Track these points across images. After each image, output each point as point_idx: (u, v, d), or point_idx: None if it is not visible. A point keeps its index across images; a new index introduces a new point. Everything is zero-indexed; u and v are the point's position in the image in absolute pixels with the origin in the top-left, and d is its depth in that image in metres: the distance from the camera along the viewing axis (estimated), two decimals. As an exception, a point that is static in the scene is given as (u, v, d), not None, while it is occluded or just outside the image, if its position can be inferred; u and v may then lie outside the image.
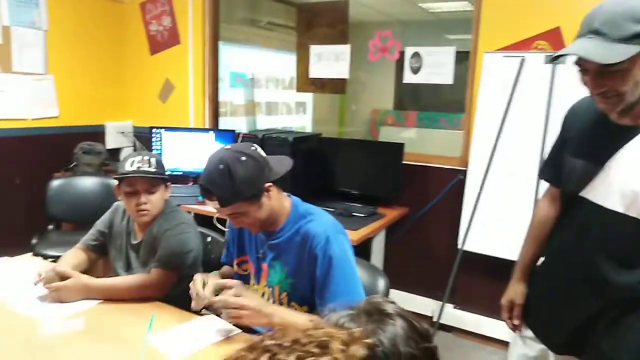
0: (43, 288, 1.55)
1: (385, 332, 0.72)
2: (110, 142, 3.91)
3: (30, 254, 2.78)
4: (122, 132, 4.00)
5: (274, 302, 1.46)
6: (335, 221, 1.45)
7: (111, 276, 1.77)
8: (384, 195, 3.02)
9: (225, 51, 3.96)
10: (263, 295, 1.49)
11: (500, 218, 2.58)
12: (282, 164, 1.45)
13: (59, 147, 3.53)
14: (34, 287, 1.59)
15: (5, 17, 3.22)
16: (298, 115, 6.17)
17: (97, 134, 3.83)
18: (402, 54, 3.03)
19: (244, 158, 1.32)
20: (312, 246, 1.37)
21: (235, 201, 1.33)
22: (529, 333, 1.50)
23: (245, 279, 1.55)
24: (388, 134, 5.85)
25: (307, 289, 1.40)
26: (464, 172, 2.74)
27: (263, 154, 1.40)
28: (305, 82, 3.58)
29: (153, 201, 1.69)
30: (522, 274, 1.52)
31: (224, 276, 1.62)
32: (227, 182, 1.29)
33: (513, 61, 2.54)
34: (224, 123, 3.98)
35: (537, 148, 2.46)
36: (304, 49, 3.48)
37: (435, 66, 2.90)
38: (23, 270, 1.79)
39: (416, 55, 2.95)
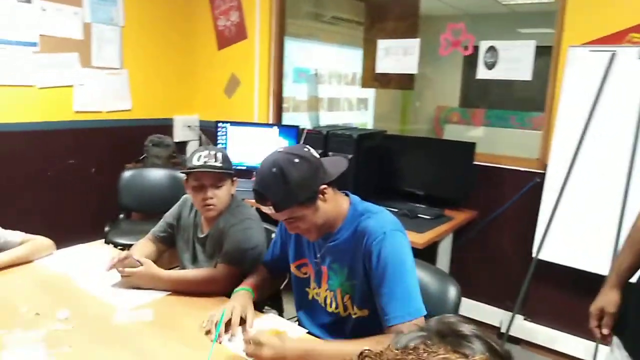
0: (116, 272, 1.60)
1: (461, 356, 0.64)
2: (178, 136, 4.02)
3: (103, 241, 2.93)
4: (189, 126, 4.10)
5: (337, 306, 1.41)
6: (395, 220, 1.37)
7: (176, 268, 1.79)
8: (452, 197, 2.88)
9: (289, 46, 3.95)
10: (326, 298, 1.44)
11: (583, 226, 2.38)
12: (337, 165, 1.39)
13: (131, 139, 3.67)
14: (107, 271, 1.63)
15: (87, 15, 3.39)
16: (359, 112, 6.09)
17: (165, 127, 3.95)
18: (475, 48, 2.88)
19: (297, 160, 1.27)
20: (368, 242, 1.30)
21: (290, 205, 1.27)
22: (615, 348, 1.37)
23: (305, 282, 1.51)
24: (453, 132, 5.64)
25: (366, 289, 1.33)
26: (542, 175, 2.56)
27: (317, 155, 1.34)
28: (371, 78, 3.50)
29: (219, 196, 1.69)
30: (617, 281, 1.40)
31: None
32: (281, 186, 1.25)
33: (602, 56, 2.33)
34: (287, 119, 3.98)
35: (627, 150, 2.24)
36: (371, 43, 3.39)
37: (513, 61, 2.73)
38: (97, 257, 1.86)
39: (491, 49, 2.78)
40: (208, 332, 1.28)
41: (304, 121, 4.44)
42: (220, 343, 1.24)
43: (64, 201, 3.46)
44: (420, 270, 1.55)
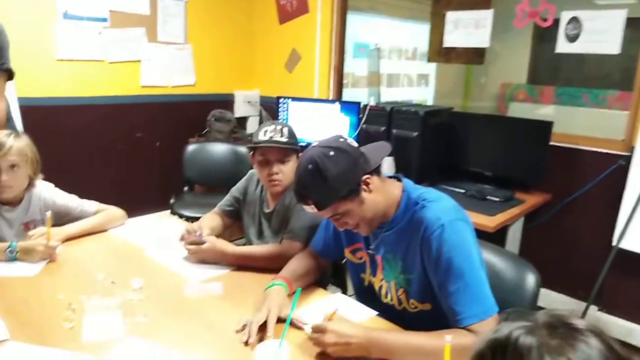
0: (184, 247, 1.62)
1: (575, 351, 0.57)
2: (239, 111, 4.05)
3: (168, 212, 3.02)
4: (249, 102, 4.11)
5: (392, 299, 1.34)
6: (456, 206, 1.25)
7: (235, 241, 1.79)
8: (523, 179, 2.72)
9: (350, 20, 3.84)
10: (381, 288, 1.37)
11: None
12: (379, 151, 1.29)
13: (194, 113, 3.74)
14: (176, 244, 1.67)
15: (153, -10, 3.44)
16: (419, 88, 5.90)
17: (227, 102, 3.99)
18: (554, 20, 2.65)
19: (332, 153, 1.18)
20: (425, 235, 1.19)
21: (332, 202, 1.19)
22: None
23: (360, 268, 1.43)
24: (519, 111, 5.34)
25: (425, 283, 1.24)
26: (628, 158, 2.35)
27: (354, 144, 1.24)
28: (437, 52, 3.33)
29: (285, 171, 1.67)
30: None
31: None
32: (319, 183, 1.17)
33: None
34: (345, 94, 3.90)
35: None
36: (439, 16, 3.22)
37: (598, 33, 2.49)
38: (166, 229, 1.91)
39: (574, 20, 2.56)
40: (246, 343, 1.16)
41: (363, 97, 4.34)
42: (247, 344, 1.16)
43: (131, 173, 3.60)
44: (493, 255, 1.46)
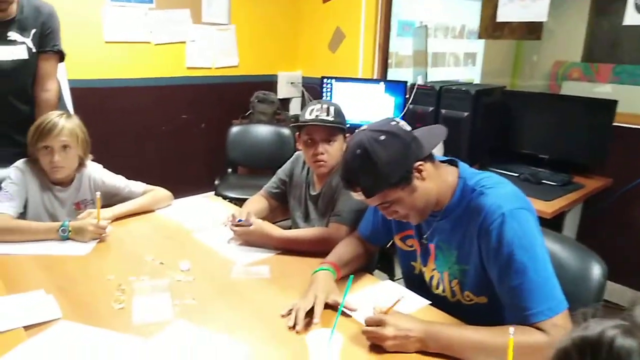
0: (231, 229, 1.61)
1: None
2: (282, 92, 4.01)
3: (212, 193, 3.04)
4: (292, 83, 4.06)
5: (444, 290, 1.27)
6: (518, 192, 1.15)
7: (276, 223, 1.76)
8: (582, 162, 2.56)
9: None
10: (432, 278, 1.29)
11: None
12: (433, 135, 1.20)
13: (237, 95, 3.73)
14: (223, 227, 1.68)
15: (198, -30, 3.42)
16: (466, 67, 5.68)
17: (270, 83, 3.96)
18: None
19: (383, 137, 1.10)
20: (484, 225, 1.10)
21: (381, 189, 1.12)
22: None
23: (410, 256, 1.36)
24: (573, 90, 5.03)
25: (482, 275, 1.16)
26: None
27: (407, 127, 1.15)
28: (490, 27, 3.16)
29: (330, 152, 1.62)
30: None
31: None
32: (368, 168, 1.10)
33: None
34: (390, 74, 3.78)
35: None
36: (492, -12, 3.04)
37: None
38: (212, 210, 1.90)
39: (645, -12, 2.34)
40: (293, 328, 1.13)
41: (408, 77, 4.20)
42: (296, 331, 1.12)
43: (177, 155, 3.65)
44: (554, 243, 1.35)
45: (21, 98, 2.03)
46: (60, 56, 2.11)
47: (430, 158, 1.17)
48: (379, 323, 1.05)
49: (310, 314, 1.15)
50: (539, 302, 1.02)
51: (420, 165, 1.13)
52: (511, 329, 0.83)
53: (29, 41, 1.97)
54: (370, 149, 1.09)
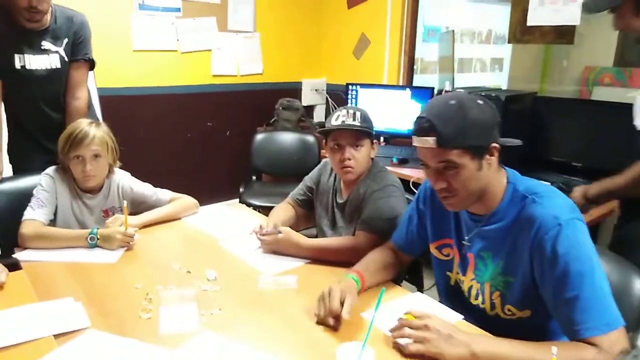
0: (258, 237, 1.59)
1: None
2: (306, 99, 4.01)
3: (237, 200, 3.04)
4: (316, 90, 4.06)
5: (483, 301, 1.21)
6: (571, 203, 1.10)
7: (301, 231, 1.75)
8: (617, 170, 2.45)
9: (420, 3, 3.66)
10: (470, 289, 1.24)
11: None
12: (510, 137, 1.17)
13: (262, 102, 3.74)
14: (249, 235, 1.66)
15: (224, -22, 3.46)
16: (493, 73, 5.59)
17: (295, 90, 3.95)
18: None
19: (480, 102, 1.10)
20: (539, 235, 1.05)
21: (458, 144, 1.06)
22: None
23: (446, 265, 1.32)
24: (604, 95, 4.88)
25: (529, 289, 1.11)
26: None
27: None
28: (520, 32, 3.09)
29: (357, 157, 1.59)
30: None
31: None
32: (457, 119, 1.06)
33: None
34: (415, 80, 3.74)
35: None
36: (521, -8, 2.98)
37: None
38: (237, 218, 1.89)
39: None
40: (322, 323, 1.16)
41: (434, 83, 4.16)
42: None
43: (202, 162, 3.67)
44: None
45: (53, 106, 2.07)
46: (91, 65, 2.15)
47: (499, 164, 1.14)
48: (426, 316, 1.03)
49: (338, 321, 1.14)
50: (595, 316, 0.98)
51: (495, 147, 1.10)
52: (554, 348, 0.79)
53: (61, 50, 2.01)
54: (467, 104, 1.08)
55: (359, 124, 1.56)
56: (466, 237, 1.22)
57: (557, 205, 1.07)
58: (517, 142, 1.18)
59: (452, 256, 1.29)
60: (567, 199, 1.11)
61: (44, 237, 1.58)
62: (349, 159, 1.58)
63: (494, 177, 1.13)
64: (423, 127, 1.09)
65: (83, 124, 1.68)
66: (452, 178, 1.10)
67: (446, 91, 2.82)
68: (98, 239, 1.56)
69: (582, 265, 1.01)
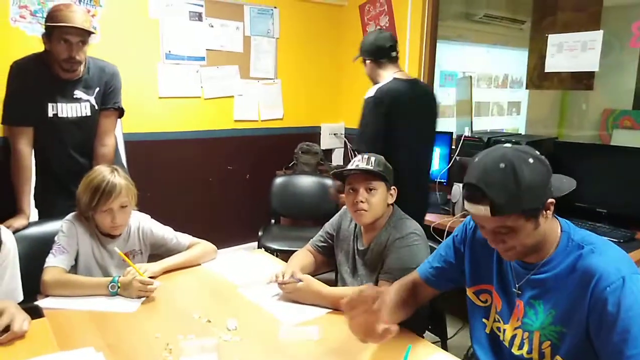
0: (279, 286, 1.58)
1: None
2: (325, 143, 4.06)
3: (256, 244, 3.04)
4: (335, 134, 4.11)
5: (530, 350, 1.16)
6: (627, 256, 1.08)
7: (318, 276, 1.73)
8: (645, 217, 2.39)
9: (437, 49, 3.74)
10: (514, 337, 1.20)
11: None
12: (563, 181, 1.14)
13: (282, 146, 3.79)
14: (268, 284, 1.64)
15: (247, 28, 3.60)
16: (510, 117, 5.62)
17: (314, 134, 4.01)
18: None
19: (531, 160, 1.04)
20: (600, 287, 1.02)
21: (513, 211, 1.04)
22: None
23: (482, 311, 1.28)
24: (625, 139, 4.84)
25: (582, 342, 1.06)
26: None
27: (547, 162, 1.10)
28: (538, 78, 3.11)
29: (371, 201, 1.59)
30: None
31: None
32: (510, 185, 1.02)
33: None
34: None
35: None
36: (538, 40, 3.02)
37: None
38: (257, 265, 1.89)
39: None
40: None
41: (451, 127, 4.19)
42: None
43: (222, 204, 3.70)
44: None
45: (82, 152, 2.13)
46: (120, 113, 2.23)
47: (553, 215, 1.11)
48: None
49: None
50: None
51: (551, 203, 1.08)
52: None
53: (92, 99, 2.09)
54: (518, 167, 1.03)
55: (371, 168, 1.59)
56: (517, 285, 1.19)
57: (617, 259, 1.05)
58: (572, 186, 1.15)
59: (489, 303, 1.26)
60: (623, 252, 1.09)
61: (66, 284, 1.59)
62: (362, 202, 1.59)
63: (549, 227, 1.11)
64: (475, 195, 1.07)
65: (106, 174, 1.67)
66: (510, 239, 1.09)
67: (465, 137, 2.83)
68: (119, 287, 1.56)
69: None
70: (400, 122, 2.16)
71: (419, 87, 2.41)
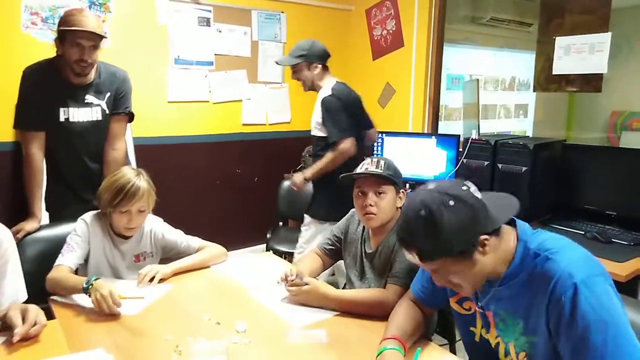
0: (286, 288, 1.59)
1: None
2: (331, 146, 4.06)
3: (263, 246, 3.06)
4: (342, 137, 4.11)
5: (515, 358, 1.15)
6: (588, 256, 1.05)
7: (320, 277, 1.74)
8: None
9: (444, 52, 3.74)
10: (498, 346, 1.19)
11: None
12: (505, 206, 1.10)
13: (289, 150, 3.81)
14: (276, 285, 1.66)
15: (255, 33, 3.63)
16: (517, 119, 5.61)
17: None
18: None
19: (452, 202, 1.02)
20: (555, 295, 1.00)
21: (439, 257, 1.05)
22: None
23: (469, 320, 1.26)
24: (634, 140, 4.83)
25: (554, 348, 1.04)
26: None
27: (478, 195, 1.06)
28: (545, 80, 3.10)
29: (380, 205, 1.60)
30: None
31: None
32: (430, 233, 1.02)
33: None
34: (439, 128, 3.77)
35: None
36: (545, 42, 3.02)
37: None
38: (266, 267, 1.91)
39: None
40: None
41: (457, 130, 4.19)
42: None
43: (230, 207, 3.72)
44: (629, 311, 1.22)
45: (92, 156, 2.16)
46: (130, 117, 2.25)
47: (496, 232, 1.07)
48: None
49: None
50: None
51: (485, 239, 1.04)
52: None
53: (103, 103, 2.12)
54: (437, 213, 1.01)
55: (381, 171, 1.59)
56: (481, 300, 1.18)
57: (571, 262, 1.01)
58: (511, 212, 1.09)
59: (473, 310, 1.24)
60: (583, 251, 1.06)
61: (59, 283, 1.57)
62: (371, 205, 1.59)
63: (497, 256, 1.08)
64: (402, 243, 1.10)
65: (131, 176, 1.69)
66: (450, 277, 1.09)
67: (473, 140, 2.82)
68: (92, 285, 1.47)
69: (602, 330, 0.94)
70: (353, 115, 2.66)
71: (350, 87, 2.82)
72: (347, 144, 2.54)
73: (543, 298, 1.03)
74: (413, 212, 1.05)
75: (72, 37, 1.93)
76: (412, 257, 1.08)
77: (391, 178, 1.61)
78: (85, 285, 1.48)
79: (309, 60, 2.64)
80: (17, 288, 1.42)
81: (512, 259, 1.09)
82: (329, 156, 2.56)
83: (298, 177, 2.66)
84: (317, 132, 2.68)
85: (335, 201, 2.33)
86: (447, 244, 1.02)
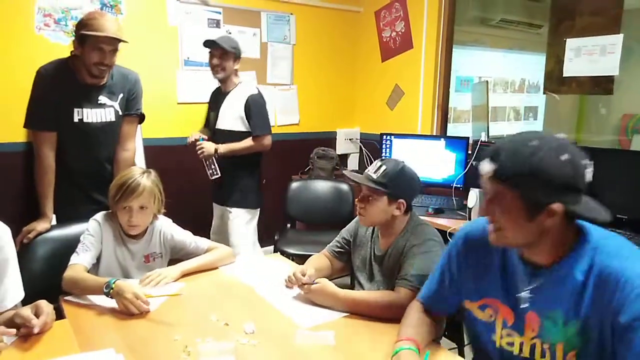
0: (294, 288, 1.61)
1: None
2: (340, 148, 4.07)
3: (272, 247, 3.06)
4: (350, 139, 4.12)
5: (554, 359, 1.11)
6: None
7: (334, 280, 1.73)
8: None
9: (453, 54, 3.73)
10: (533, 347, 1.13)
11: None
12: (596, 210, 1.04)
13: (298, 151, 3.81)
14: (284, 286, 1.67)
15: (264, 35, 3.64)
16: (527, 121, 5.57)
17: (329, 140, 4.03)
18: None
19: (564, 157, 0.98)
20: (623, 293, 0.97)
21: (512, 185, 1.00)
22: None
23: (488, 327, 1.22)
24: (644, 144, 4.77)
25: (608, 348, 1.01)
26: None
27: (587, 179, 1.02)
28: (555, 83, 3.08)
29: (367, 209, 1.63)
30: None
31: None
32: (526, 160, 0.98)
33: None
34: (448, 130, 3.76)
35: None
36: (556, 44, 3.00)
37: None
38: (274, 268, 1.91)
39: None
40: None
41: (466, 132, 4.17)
42: None
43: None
44: None
45: (104, 157, 2.18)
46: (141, 118, 2.27)
47: (571, 217, 1.04)
48: None
49: None
50: None
51: (556, 207, 0.99)
52: None
53: (116, 105, 2.14)
54: (546, 152, 0.98)
55: (374, 178, 1.61)
56: (523, 290, 1.12)
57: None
58: (602, 217, 1.03)
59: (494, 318, 1.20)
60: None
61: (76, 283, 1.58)
62: (362, 207, 1.65)
63: (556, 234, 1.05)
64: (489, 151, 1.05)
65: (136, 174, 1.73)
66: (500, 216, 1.06)
67: (482, 142, 2.81)
68: (112, 289, 1.49)
69: None
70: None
71: None
72: (269, 140, 2.84)
73: (604, 292, 1.00)
74: (527, 137, 1.03)
75: (94, 42, 1.94)
76: (487, 165, 1.04)
77: (382, 187, 1.59)
78: (105, 290, 1.49)
79: (237, 56, 2.81)
80: (19, 285, 1.43)
81: (570, 249, 1.06)
82: (248, 142, 2.75)
83: (210, 144, 2.73)
84: (239, 126, 2.80)
85: (259, 189, 2.90)
86: (527, 178, 0.99)
